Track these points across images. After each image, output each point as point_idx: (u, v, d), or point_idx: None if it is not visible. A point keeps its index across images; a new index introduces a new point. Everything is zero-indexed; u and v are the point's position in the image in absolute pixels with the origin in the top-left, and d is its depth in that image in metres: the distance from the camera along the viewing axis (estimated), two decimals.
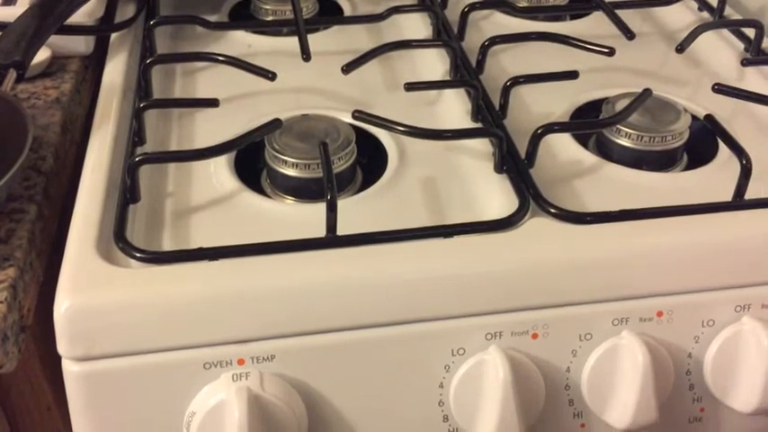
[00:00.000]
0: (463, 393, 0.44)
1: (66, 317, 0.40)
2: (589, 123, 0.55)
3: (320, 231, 0.45)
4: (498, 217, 0.47)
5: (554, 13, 0.71)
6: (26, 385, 0.47)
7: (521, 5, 0.69)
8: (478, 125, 0.55)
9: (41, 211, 0.49)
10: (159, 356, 0.41)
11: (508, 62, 0.63)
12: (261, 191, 0.51)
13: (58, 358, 0.42)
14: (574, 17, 0.71)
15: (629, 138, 0.53)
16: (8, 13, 0.59)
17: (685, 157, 0.55)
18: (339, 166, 0.50)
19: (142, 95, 0.56)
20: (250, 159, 0.53)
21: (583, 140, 0.56)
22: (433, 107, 0.59)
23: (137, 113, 0.52)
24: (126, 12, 0.65)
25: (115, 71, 0.58)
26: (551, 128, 0.51)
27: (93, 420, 0.42)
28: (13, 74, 0.53)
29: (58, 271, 0.43)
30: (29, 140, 0.48)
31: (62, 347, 0.41)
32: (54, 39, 0.58)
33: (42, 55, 0.59)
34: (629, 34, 0.60)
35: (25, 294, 0.45)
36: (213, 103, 0.52)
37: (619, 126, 0.53)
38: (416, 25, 0.67)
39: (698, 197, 0.49)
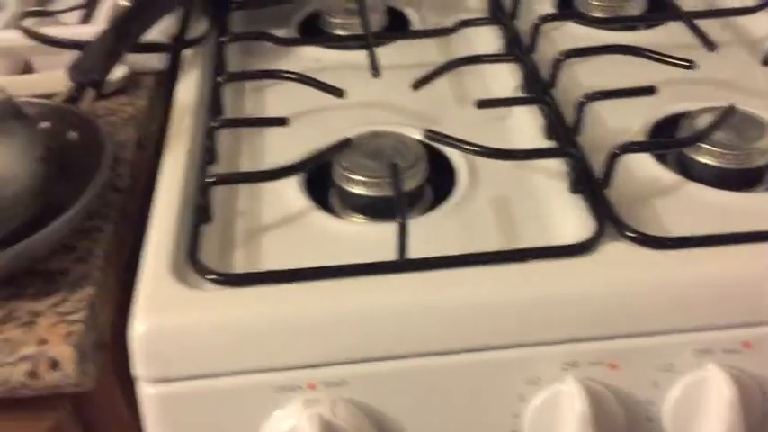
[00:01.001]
0: (539, 424, 0.42)
1: (142, 339, 0.41)
2: (669, 143, 0.53)
3: (390, 252, 0.44)
4: (573, 240, 0.45)
5: (630, 23, 0.68)
6: (104, 402, 0.48)
7: (594, 16, 0.67)
8: (552, 143, 0.53)
9: (118, 228, 0.50)
10: (232, 379, 0.42)
11: (581, 75, 0.62)
12: (329, 208, 0.51)
13: (132, 375, 0.43)
14: (650, 27, 0.69)
15: (711, 155, 0.51)
16: (85, 32, 0.60)
17: None
18: (409, 185, 0.49)
19: (214, 114, 0.56)
20: (319, 176, 0.53)
21: (661, 158, 0.53)
22: (503, 122, 0.58)
23: (209, 132, 0.53)
24: (198, 29, 0.66)
25: (187, 88, 0.59)
26: (629, 147, 0.49)
27: None
28: (91, 92, 0.54)
29: (131, 287, 0.44)
30: (108, 158, 0.49)
31: (138, 369, 0.41)
32: (130, 56, 0.59)
33: (118, 72, 0.60)
34: (710, 45, 0.57)
35: (103, 313, 0.46)
36: (283, 122, 0.52)
37: (700, 143, 0.51)
38: (486, 38, 0.66)
39: None
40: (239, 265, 0.46)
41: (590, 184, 0.49)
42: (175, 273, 0.43)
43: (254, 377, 0.42)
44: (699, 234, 0.45)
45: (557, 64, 0.58)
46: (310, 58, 0.66)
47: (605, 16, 0.69)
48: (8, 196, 0.45)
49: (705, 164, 0.51)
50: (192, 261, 0.44)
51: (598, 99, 0.54)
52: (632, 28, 0.69)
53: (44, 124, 0.51)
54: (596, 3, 0.70)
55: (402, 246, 0.43)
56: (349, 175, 0.50)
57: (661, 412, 0.44)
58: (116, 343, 0.47)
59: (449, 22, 0.66)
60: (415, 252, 0.44)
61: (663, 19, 0.67)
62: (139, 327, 0.41)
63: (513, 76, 0.61)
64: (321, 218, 0.50)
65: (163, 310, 0.41)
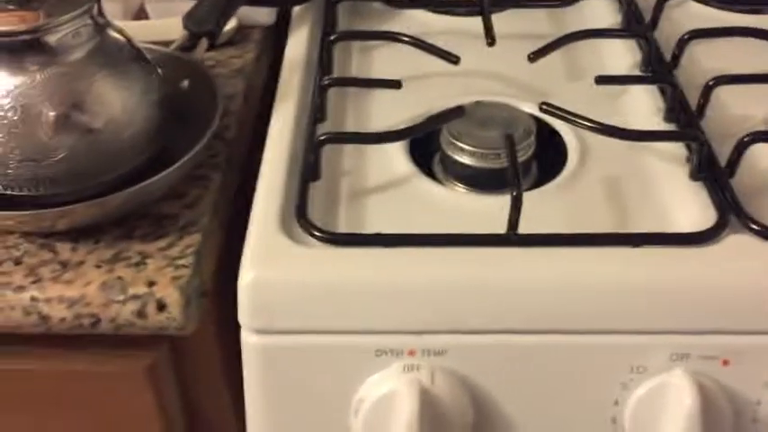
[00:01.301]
0: (640, 414, 0.41)
1: (250, 289, 0.41)
2: None
3: (494, 224, 0.43)
4: (690, 229, 0.43)
5: (756, 6, 0.64)
6: (198, 348, 0.49)
7: None
8: (671, 126, 0.51)
9: (225, 179, 0.51)
10: (333, 338, 0.42)
11: (703, 57, 0.59)
12: (432, 174, 0.50)
13: (228, 324, 0.43)
14: None
15: None
16: None
17: None
18: (518, 158, 0.48)
19: (324, 72, 0.56)
20: (423, 141, 0.52)
21: None
22: (618, 101, 0.55)
23: (320, 91, 0.52)
24: None
25: (297, 45, 0.59)
26: (761, 136, 0.47)
27: (266, 391, 0.43)
28: (204, 43, 0.55)
29: (233, 239, 0.44)
30: (219, 109, 0.49)
31: (243, 318, 0.42)
32: (239, 9, 0.59)
33: (229, 24, 0.60)
34: None
35: (207, 260, 0.46)
36: (396, 84, 0.52)
37: None
38: (601, 12, 0.64)
39: None
40: (343, 225, 0.46)
41: (714, 172, 0.47)
42: (283, 228, 0.43)
43: (355, 338, 0.41)
44: None
45: (681, 44, 0.56)
46: (419, 22, 0.64)
47: None
48: (126, 138, 0.46)
49: None
50: (300, 217, 0.44)
51: (728, 83, 0.51)
52: (758, 11, 0.65)
53: (159, 71, 0.52)
54: None
55: (514, 220, 0.42)
56: (457, 144, 0.49)
57: None
58: (215, 291, 0.48)
59: None
60: (521, 227, 0.43)
61: None
62: (247, 277, 0.41)
63: (631, 53, 0.58)
64: (425, 184, 0.49)
65: (270, 263, 0.42)
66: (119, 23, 0.52)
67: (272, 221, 0.43)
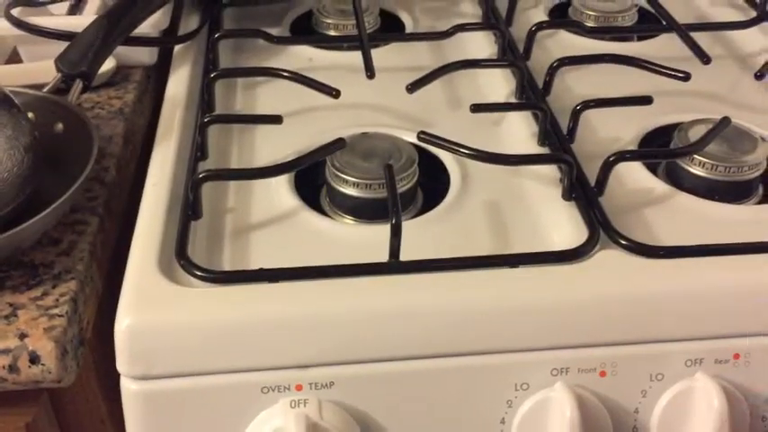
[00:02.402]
0: (527, 430, 0.42)
1: (127, 335, 0.40)
2: (666, 152, 0.53)
3: (380, 253, 0.44)
4: (565, 247, 0.45)
5: (623, 34, 0.69)
6: (81, 398, 0.47)
7: (588, 25, 0.68)
8: (545, 150, 0.53)
9: (103, 223, 0.49)
10: (218, 378, 0.41)
11: (575, 83, 0.62)
12: (319, 208, 0.51)
13: (112, 371, 0.42)
14: (642, 38, 0.69)
15: (702, 167, 0.51)
16: (74, 23, 0.59)
17: (761, 189, 0.53)
18: (401, 186, 0.49)
19: (205, 109, 0.56)
20: (310, 175, 0.53)
21: (652, 168, 0.54)
22: (496, 128, 0.57)
23: (201, 128, 0.52)
24: (190, 24, 0.65)
25: (179, 83, 0.58)
26: (624, 156, 0.49)
27: None
28: (79, 84, 0.53)
29: (117, 285, 0.43)
30: (94, 152, 0.48)
31: (121, 365, 0.40)
32: (119, 49, 0.58)
33: (107, 65, 0.59)
34: (705, 58, 0.58)
35: (85, 308, 0.45)
36: (277, 120, 0.52)
37: (693, 154, 0.51)
38: (479, 43, 0.66)
39: None
40: (228, 263, 0.46)
41: (584, 191, 0.49)
42: (162, 269, 0.43)
43: (240, 377, 0.41)
44: (691, 244, 0.45)
45: (552, 71, 0.58)
46: (303, 57, 0.65)
47: (598, 26, 0.69)
48: None
49: (697, 175, 0.51)
50: (180, 257, 0.43)
51: (594, 107, 0.54)
52: (624, 39, 0.69)
53: (30, 114, 0.50)
54: (590, 12, 0.70)
55: (395, 247, 0.43)
56: (341, 176, 0.49)
57: (648, 422, 0.44)
58: (97, 339, 0.46)
59: (442, 26, 0.66)
60: (405, 254, 0.44)
61: (657, 31, 0.67)
62: (124, 322, 0.40)
63: (507, 82, 0.60)
64: (311, 217, 0.49)
65: (149, 307, 0.41)
66: None
67: (151, 263, 0.43)
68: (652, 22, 0.70)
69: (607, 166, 0.49)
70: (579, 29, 0.65)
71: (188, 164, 0.50)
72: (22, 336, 0.41)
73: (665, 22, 0.65)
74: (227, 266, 0.45)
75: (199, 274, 0.42)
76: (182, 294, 0.41)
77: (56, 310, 0.42)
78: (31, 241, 0.46)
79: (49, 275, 0.45)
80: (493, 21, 0.67)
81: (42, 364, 0.41)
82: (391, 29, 0.71)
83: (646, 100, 0.53)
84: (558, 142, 0.53)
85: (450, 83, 0.62)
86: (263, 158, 0.54)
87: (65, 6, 0.64)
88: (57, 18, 0.61)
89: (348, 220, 0.50)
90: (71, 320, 0.43)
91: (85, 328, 0.45)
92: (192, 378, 0.40)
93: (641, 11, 0.71)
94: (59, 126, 0.51)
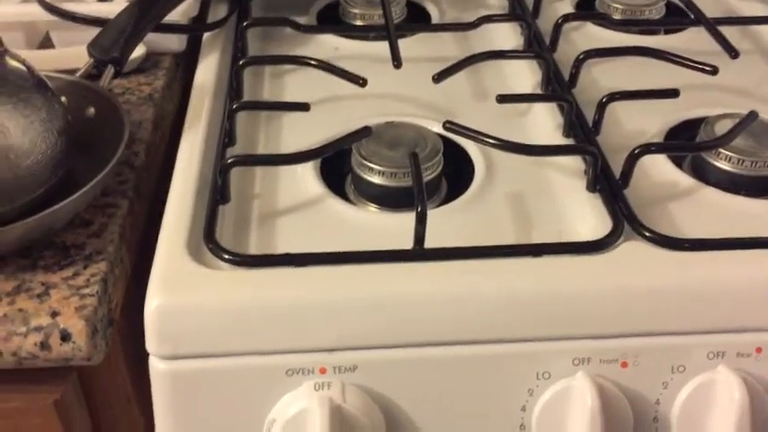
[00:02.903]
0: (547, 419, 0.42)
1: (156, 315, 0.41)
2: (691, 146, 0.53)
3: (403, 242, 0.44)
4: (589, 238, 0.45)
5: (649, 27, 0.68)
6: (108, 377, 0.48)
7: (615, 18, 0.67)
8: (570, 141, 0.53)
9: (133, 206, 0.50)
10: (243, 360, 0.41)
11: (600, 76, 0.62)
12: (344, 196, 0.51)
13: (140, 352, 0.43)
14: (668, 31, 0.69)
15: (729, 161, 0.51)
16: (106, 10, 0.60)
17: None
18: (426, 175, 0.49)
19: (233, 96, 0.56)
20: (335, 163, 0.53)
21: (678, 161, 0.53)
22: (521, 119, 0.57)
23: (229, 114, 0.52)
24: (218, 12, 0.66)
25: (207, 71, 0.59)
26: (649, 148, 0.49)
27: (176, 418, 0.42)
28: (110, 70, 0.54)
29: (144, 266, 0.44)
30: (125, 137, 0.49)
31: (150, 345, 0.41)
32: (148, 36, 0.59)
33: (137, 51, 0.60)
34: (734, 52, 0.57)
35: (115, 288, 0.46)
36: (304, 107, 0.52)
37: (719, 148, 0.51)
38: (505, 35, 0.66)
39: None
40: (254, 247, 0.46)
41: (608, 183, 0.49)
42: (191, 251, 0.43)
43: (265, 359, 0.41)
44: (715, 237, 0.45)
45: (578, 63, 0.58)
46: (329, 46, 0.66)
47: (625, 18, 0.69)
48: (28, 167, 0.45)
49: (722, 169, 0.51)
50: (208, 241, 0.44)
51: (620, 99, 0.54)
52: (651, 32, 0.69)
53: (64, 99, 0.51)
54: (617, 5, 0.70)
55: (419, 235, 0.43)
56: (367, 164, 0.50)
57: (669, 413, 0.44)
58: (126, 319, 0.47)
59: (468, 17, 0.66)
60: (428, 242, 0.44)
61: (685, 24, 0.67)
62: (154, 303, 0.41)
63: (533, 73, 0.60)
64: (336, 204, 0.50)
65: (177, 288, 0.41)
66: (21, 52, 0.51)
67: (180, 246, 0.43)
68: (679, 16, 0.70)
69: (632, 159, 0.49)
70: (606, 21, 0.65)
71: (216, 149, 0.51)
72: (54, 314, 0.42)
73: (692, 16, 0.64)
74: (253, 251, 0.46)
75: (226, 257, 0.43)
76: (209, 277, 0.42)
77: (87, 290, 0.43)
78: (63, 223, 0.47)
79: (81, 256, 0.45)
80: (519, 12, 0.67)
81: (73, 342, 0.42)
82: (417, 19, 0.71)
83: (672, 93, 0.53)
84: (583, 134, 0.53)
85: (475, 74, 0.62)
86: (289, 146, 0.54)
87: None
88: (89, 4, 0.62)
89: (373, 207, 0.50)
90: (101, 300, 0.44)
91: (114, 309, 0.46)
92: (218, 359, 0.41)
93: (669, 4, 0.71)
94: (91, 110, 0.52)
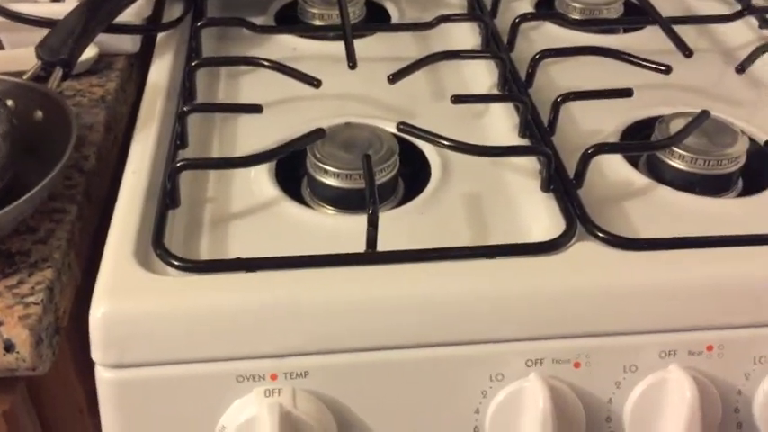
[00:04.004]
0: (500, 420, 0.42)
1: (102, 323, 0.40)
2: (642, 145, 0.54)
3: (359, 244, 0.44)
4: (543, 239, 0.45)
5: (607, 26, 0.69)
6: (59, 387, 0.47)
7: (573, 17, 0.68)
8: (526, 142, 0.53)
9: (82, 211, 0.49)
10: (192, 367, 0.41)
11: (558, 75, 0.62)
12: (300, 199, 0.51)
13: (90, 360, 0.42)
14: (627, 30, 0.69)
15: (682, 160, 0.51)
16: (56, 10, 0.59)
17: (741, 183, 0.53)
18: (381, 177, 0.49)
19: (186, 98, 0.55)
20: (291, 166, 0.53)
21: (633, 161, 0.54)
22: (479, 120, 0.57)
23: (180, 117, 0.52)
24: (173, 12, 0.65)
25: (160, 72, 0.58)
26: (602, 148, 0.49)
27: (124, 427, 0.41)
28: (59, 71, 0.53)
29: (96, 272, 0.43)
30: (72, 139, 0.48)
31: (96, 354, 0.40)
32: (101, 37, 0.58)
33: (89, 53, 0.59)
34: (687, 51, 0.58)
35: (62, 296, 0.45)
36: (257, 109, 0.52)
37: (673, 147, 0.51)
38: (464, 34, 0.66)
39: (754, 226, 0.47)
40: (205, 253, 0.46)
41: (562, 184, 0.49)
42: (138, 257, 0.43)
43: (214, 366, 0.41)
44: (668, 237, 0.45)
45: (534, 63, 0.58)
46: (287, 46, 0.65)
47: (583, 18, 0.69)
48: None
49: (676, 168, 0.51)
50: (156, 246, 0.43)
51: (574, 99, 0.54)
52: (610, 32, 0.69)
53: (9, 102, 0.50)
54: (575, 5, 0.70)
55: (371, 238, 0.43)
56: (321, 166, 0.49)
57: (621, 412, 0.44)
58: (74, 328, 0.46)
59: (428, 17, 0.66)
60: (384, 245, 0.44)
61: (641, 23, 0.67)
62: (99, 310, 0.40)
63: (491, 73, 0.60)
64: (291, 207, 0.49)
65: (124, 295, 0.41)
66: None
67: (127, 251, 0.43)
68: (638, 15, 0.70)
69: (585, 159, 0.49)
70: (563, 20, 0.65)
71: (167, 153, 0.50)
72: None
73: (649, 15, 0.65)
74: (204, 256, 0.45)
75: (174, 263, 0.42)
76: (157, 283, 0.41)
77: (31, 299, 0.42)
78: (8, 230, 0.46)
79: (26, 263, 0.44)
80: (478, 12, 0.67)
81: (17, 352, 0.41)
82: (377, 19, 0.70)
83: (626, 93, 0.53)
84: (538, 134, 0.53)
85: (434, 74, 0.62)
86: (244, 149, 0.54)
87: None
88: (39, 5, 0.60)
89: (329, 210, 0.50)
90: (47, 309, 0.43)
91: (62, 317, 0.45)
92: (166, 367, 0.41)
93: (627, 3, 0.71)
94: (39, 114, 0.51)
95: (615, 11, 0.70)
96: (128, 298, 0.40)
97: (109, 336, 0.40)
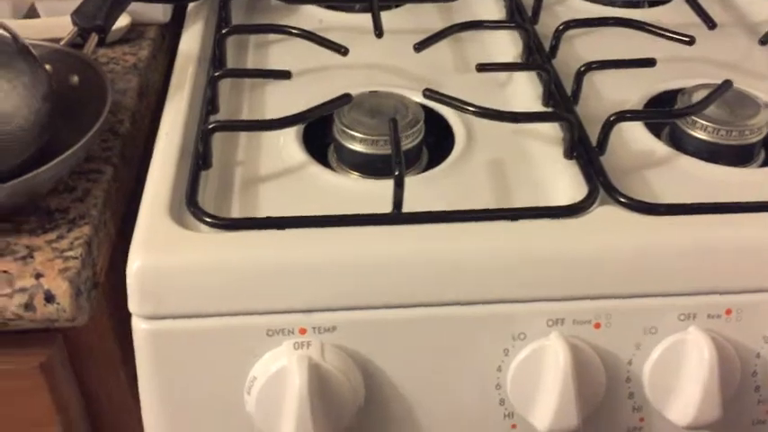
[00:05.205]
0: (522, 378, 0.43)
1: (138, 275, 0.41)
2: (664, 113, 0.54)
3: (384, 207, 0.45)
4: (566, 203, 0.46)
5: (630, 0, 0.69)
6: (94, 340, 0.49)
7: None
8: (549, 110, 0.54)
9: (117, 172, 0.51)
10: (224, 320, 0.42)
11: (582, 48, 0.62)
12: (327, 165, 0.52)
13: (125, 316, 0.43)
14: (652, 5, 0.70)
15: (704, 130, 0.52)
16: None
17: (763, 153, 0.54)
18: (406, 144, 0.50)
19: (216, 65, 0.57)
20: (318, 133, 0.54)
21: (656, 131, 0.54)
22: (502, 89, 0.58)
23: (211, 82, 0.53)
24: None
25: (191, 40, 0.59)
26: (624, 116, 0.50)
27: (159, 377, 0.43)
28: (94, 38, 0.55)
29: (131, 232, 0.44)
30: (108, 103, 0.49)
31: (132, 305, 0.42)
32: (133, 6, 0.59)
33: (122, 21, 0.60)
34: (711, 23, 0.58)
35: (99, 252, 0.46)
36: (285, 74, 0.53)
37: (695, 118, 0.52)
38: (488, 6, 0.67)
39: None
40: (236, 212, 0.47)
41: (585, 150, 0.50)
42: (173, 214, 0.44)
43: (246, 319, 0.42)
44: (688, 202, 0.46)
45: (558, 33, 0.59)
46: (314, 17, 0.66)
47: None
48: (12, 132, 0.46)
49: (699, 138, 0.52)
50: (190, 204, 0.45)
51: (597, 68, 0.54)
52: (634, 5, 0.69)
53: (48, 66, 0.51)
54: None
55: (398, 198, 0.44)
56: (348, 132, 0.50)
57: (641, 373, 0.45)
58: (111, 283, 0.48)
59: None
60: (408, 208, 0.45)
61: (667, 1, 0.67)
62: (135, 263, 0.41)
63: (515, 44, 0.61)
64: (318, 171, 0.50)
65: (159, 249, 0.42)
66: (6, 21, 0.52)
67: (162, 209, 0.44)
68: None
69: (608, 126, 0.49)
70: None
71: (199, 117, 0.52)
72: (38, 275, 0.43)
73: None
74: (235, 215, 0.46)
75: (208, 220, 0.44)
76: (190, 238, 0.43)
77: (70, 253, 0.44)
78: (47, 188, 0.47)
79: (65, 220, 0.46)
80: None
81: (57, 303, 0.42)
82: None
83: (649, 62, 0.54)
84: (562, 103, 0.54)
85: (458, 46, 0.63)
86: (272, 114, 0.55)
87: None
88: None
89: (354, 175, 0.51)
90: (85, 263, 0.44)
91: (99, 273, 0.46)
92: (199, 319, 0.42)
93: None
94: (75, 78, 0.53)
95: None
96: (163, 252, 0.42)
97: (144, 287, 0.41)
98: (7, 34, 0.49)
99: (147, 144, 0.56)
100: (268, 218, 0.44)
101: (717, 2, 0.68)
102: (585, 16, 0.64)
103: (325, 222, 0.44)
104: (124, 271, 0.42)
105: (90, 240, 0.45)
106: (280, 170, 0.50)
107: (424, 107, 0.53)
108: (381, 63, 0.61)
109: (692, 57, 0.60)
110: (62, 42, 0.54)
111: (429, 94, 0.50)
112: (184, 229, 0.43)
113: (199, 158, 0.48)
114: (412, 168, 0.51)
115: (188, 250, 0.42)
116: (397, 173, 0.44)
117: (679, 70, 0.59)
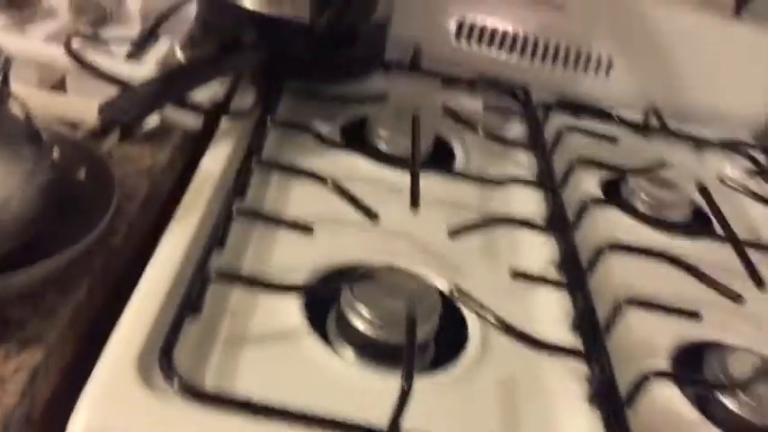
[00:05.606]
0: None
1: None
2: (704, 383, 0.49)
3: (380, 407, 0.39)
4: None
5: (675, 232, 0.65)
6: None
7: (640, 210, 0.65)
8: (576, 335, 0.49)
9: (93, 290, 0.45)
10: None
11: (618, 270, 0.58)
12: (324, 332, 0.46)
13: None
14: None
15: (739, 403, 0.47)
16: (129, 70, 0.57)
17: None
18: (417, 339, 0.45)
19: (237, 194, 0.52)
20: (321, 293, 0.49)
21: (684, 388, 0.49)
22: (531, 294, 0.53)
23: (228, 216, 0.48)
24: (243, 100, 0.63)
25: (216, 158, 0.55)
26: (664, 375, 0.45)
27: None
28: (117, 134, 0.51)
29: (87, 365, 0.38)
30: (109, 214, 0.45)
31: None
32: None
33: (151, 120, 0.56)
34: (760, 283, 0.54)
35: (44, 382, 0.40)
36: (308, 229, 0.48)
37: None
38: (528, 198, 0.63)
39: None
40: (212, 371, 0.41)
41: (611, 400, 0.44)
42: (140, 367, 0.38)
43: None
44: None
45: (598, 255, 0.55)
46: (347, 163, 0.62)
47: (650, 215, 0.66)
48: None
49: (731, 411, 0.47)
50: (163, 356, 0.39)
51: (639, 306, 0.50)
52: (674, 234, 0.66)
53: (56, 154, 0.47)
54: (642, 195, 0.67)
55: (397, 415, 0.38)
56: (356, 307, 0.45)
57: None
58: (49, 420, 0.41)
59: (493, 165, 0.64)
60: (408, 418, 0.39)
61: (710, 237, 0.64)
62: (79, 420, 0.35)
63: (548, 246, 0.57)
64: (313, 345, 0.45)
65: (109, 409, 0.36)
66: (30, 91, 0.48)
67: (129, 357, 0.38)
68: (705, 221, 0.68)
69: (640, 384, 0.44)
70: (631, 214, 0.62)
71: (202, 251, 0.46)
72: None
73: (720, 231, 0.62)
74: (211, 373, 0.41)
75: (179, 384, 0.38)
76: (150, 404, 0.37)
77: (11, 384, 0.38)
78: (13, 295, 0.42)
79: (18, 338, 0.40)
80: (545, 180, 0.64)
81: None
82: (442, 156, 0.68)
83: (694, 315, 0.50)
84: (592, 334, 0.49)
85: (490, 233, 0.58)
86: (280, 263, 0.50)
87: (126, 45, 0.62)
88: (112, 60, 0.58)
89: (351, 354, 0.46)
90: (24, 395, 0.38)
91: (36, 406, 0.40)
92: None
93: (696, 208, 0.69)
94: (82, 174, 0.48)
95: (682, 212, 0.68)
96: (115, 413, 0.36)
97: None
98: (22, 115, 0.44)
99: (135, 259, 0.51)
100: (246, 402, 0.38)
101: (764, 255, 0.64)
102: (624, 229, 0.61)
103: (310, 421, 0.38)
104: (69, 405, 0.36)
105: (37, 369, 0.39)
106: (272, 332, 0.45)
107: (442, 293, 0.48)
108: (408, 232, 0.56)
109: (733, 308, 0.56)
110: (82, 130, 0.50)
111: (458, 296, 0.45)
112: (147, 388, 0.37)
113: (186, 307, 0.42)
114: (417, 362, 0.46)
115: (144, 419, 0.36)
116: (404, 386, 0.38)
117: (718, 322, 0.55)
